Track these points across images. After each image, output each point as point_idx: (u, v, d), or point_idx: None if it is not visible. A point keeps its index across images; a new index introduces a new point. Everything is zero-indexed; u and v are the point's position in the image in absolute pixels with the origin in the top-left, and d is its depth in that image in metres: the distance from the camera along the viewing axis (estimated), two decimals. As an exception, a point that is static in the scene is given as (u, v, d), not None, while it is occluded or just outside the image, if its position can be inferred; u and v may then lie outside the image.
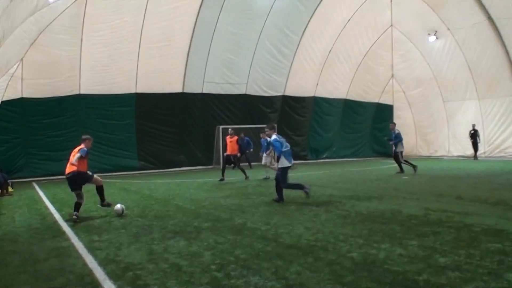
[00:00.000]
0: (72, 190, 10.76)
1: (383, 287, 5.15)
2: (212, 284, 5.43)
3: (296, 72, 28.83)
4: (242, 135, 25.04)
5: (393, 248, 6.77)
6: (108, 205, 11.31)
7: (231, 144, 18.85)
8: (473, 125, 28.42)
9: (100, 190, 11.43)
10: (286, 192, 14.14)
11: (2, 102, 20.51)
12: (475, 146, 28.37)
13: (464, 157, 29.21)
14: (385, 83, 33.30)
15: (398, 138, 19.68)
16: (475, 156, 28.29)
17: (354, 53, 30.54)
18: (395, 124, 20.75)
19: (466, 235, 7.47)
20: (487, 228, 8.01)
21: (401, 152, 19.89)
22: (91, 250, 7.26)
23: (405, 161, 20.19)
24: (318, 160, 30.45)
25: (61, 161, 21.60)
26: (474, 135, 28.36)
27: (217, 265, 6.16)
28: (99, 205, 11.52)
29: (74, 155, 10.76)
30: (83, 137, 11.45)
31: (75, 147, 11.23)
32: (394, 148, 19.84)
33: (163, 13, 22.36)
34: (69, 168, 10.74)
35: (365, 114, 33.26)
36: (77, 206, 10.46)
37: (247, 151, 25.12)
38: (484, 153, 28.51)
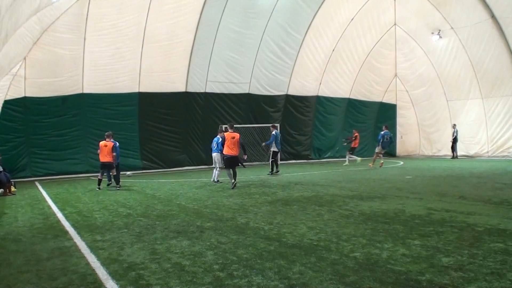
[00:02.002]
0: (103, 169, 16.65)
1: (386, 287, 5.15)
2: (214, 284, 5.43)
3: (299, 71, 28.78)
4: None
5: (396, 248, 6.76)
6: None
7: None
8: (454, 125, 28.90)
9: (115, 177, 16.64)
10: (288, 192, 14.19)
11: (5, 101, 20.51)
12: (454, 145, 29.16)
13: (468, 157, 29.18)
14: (388, 82, 33.26)
15: (271, 139, 21.28)
16: (455, 156, 29.35)
17: (357, 52, 30.48)
18: (275, 126, 22.17)
19: (469, 235, 7.47)
20: (490, 227, 8.00)
21: (274, 152, 21.47)
22: (94, 249, 7.27)
23: (274, 160, 21.52)
24: (321, 160, 30.43)
25: (64, 160, 21.86)
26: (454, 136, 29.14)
27: (219, 264, 6.16)
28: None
29: (110, 149, 16.17)
30: (111, 133, 16.94)
31: (101, 141, 16.56)
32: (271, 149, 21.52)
33: (166, 12, 22.32)
34: (107, 158, 16.15)
35: (368, 114, 33.21)
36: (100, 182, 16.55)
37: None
38: (487, 152, 28.48)
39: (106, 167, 16.50)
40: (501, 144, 27.93)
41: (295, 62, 28.26)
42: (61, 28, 20.38)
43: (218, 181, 17.71)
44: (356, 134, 26.46)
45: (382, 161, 23.96)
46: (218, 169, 17.78)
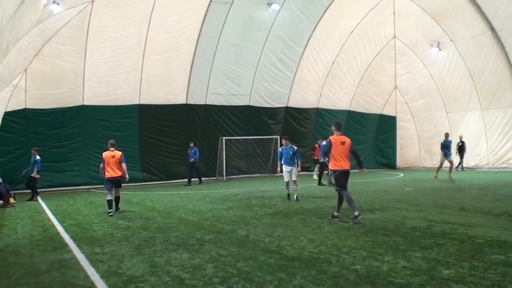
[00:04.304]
0: (112, 188, 13.16)
1: (387, 300, 5.13)
2: (214, 297, 5.40)
3: (299, 84, 28.86)
4: (191, 144, 23.60)
5: (396, 260, 6.73)
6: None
7: None
8: (461, 137, 28.72)
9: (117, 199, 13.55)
10: (288, 204, 14.13)
11: (5, 112, 20.57)
12: (461, 157, 28.82)
13: (468, 168, 29.14)
14: (388, 94, 33.34)
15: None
16: (462, 167, 28.69)
17: (357, 64, 30.60)
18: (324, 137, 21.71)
19: (470, 247, 7.44)
20: (491, 239, 7.97)
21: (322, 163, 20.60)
22: (93, 262, 7.24)
23: (321, 171, 21.22)
24: (322, 172, 30.39)
25: (64, 172, 21.84)
26: (461, 148, 28.67)
27: (219, 277, 6.12)
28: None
29: (119, 160, 13.11)
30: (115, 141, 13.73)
31: (105, 152, 13.40)
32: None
33: (167, 25, 22.44)
34: (116, 172, 13.09)
35: (368, 126, 33.24)
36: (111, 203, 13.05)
37: (193, 160, 23.27)
38: (487, 164, 28.46)
39: (114, 183, 13.16)
40: (501, 155, 27.92)
41: (295, 74, 28.35)
42: (62, 40, 20.50)
43: (297, 197, 14.99)
44: (316, 145, 24.39)
45: (437, 175, 22.39)
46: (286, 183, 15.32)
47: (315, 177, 23.97)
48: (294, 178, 14.91)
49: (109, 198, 12.99)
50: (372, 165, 33.03)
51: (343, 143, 10.94)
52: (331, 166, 11.22)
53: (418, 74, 31.47)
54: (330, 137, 11.19)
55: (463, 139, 28.88)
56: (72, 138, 22.24)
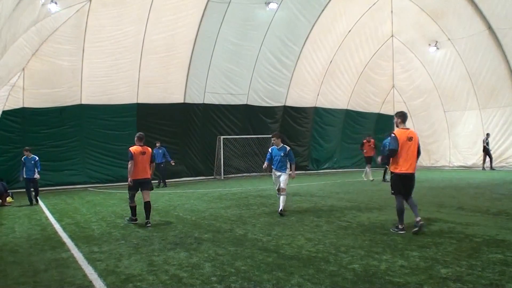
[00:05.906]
0: (136, 190, 11.08)
1: (385, 299, 5.13)
2: (212, 295, 5.40)
3: (297, 83, 28.83)
4: (157, 144, 21.79)
5: (394, 259, 6.74)
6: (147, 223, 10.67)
7: None
8: (488, 135, 27.72)
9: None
10: (286, 203, 14.10)
11: (3, 111, 20.52)
12: (489, 156, 27.84)
13: (466, 168, 29.16)
14: (386, 93, 33.32)
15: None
16: (491, 167, 27.95)
17: (355, 63, 30.56)
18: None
19: (468, 246, 7.45)
20: (489, 238, 7.99)
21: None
22: (91, 261, 7.23)
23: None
24: (319, 171, 30.40)
25: (62, 171, 21.80)
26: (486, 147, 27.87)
27: (217, 276, 6.13)
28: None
29: (149, 158, 10.95)
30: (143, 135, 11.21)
31: (132, 147, 10.92)
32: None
33: (164, 24, 22.40)
34: (145, 172, 10.91)
35: (366, 125, 33.18)
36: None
37: (162, 164, 21.58)
38: (485, 163, 28.46)
39: (143, 185, 10.96)
40: (499, 154, 27.90)
41: (293, 73, 28.32)
42: (60, 39, 20.43)
43: (281, 211, 11.79)
44: (364, 140, 23.12)
45: None
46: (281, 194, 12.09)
47: (364, 177, 22.85)
48: (282, 186, 12.04)
49: (132, 204, 11.13)
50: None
51: (410, 138, 8.91)
52: (391, 168, 9.21)
53: (416, 73, 31.44)
54: (394, 132, 9.11)
55: (489, 138, 28.12)
56: (70, 137, 22.18)
